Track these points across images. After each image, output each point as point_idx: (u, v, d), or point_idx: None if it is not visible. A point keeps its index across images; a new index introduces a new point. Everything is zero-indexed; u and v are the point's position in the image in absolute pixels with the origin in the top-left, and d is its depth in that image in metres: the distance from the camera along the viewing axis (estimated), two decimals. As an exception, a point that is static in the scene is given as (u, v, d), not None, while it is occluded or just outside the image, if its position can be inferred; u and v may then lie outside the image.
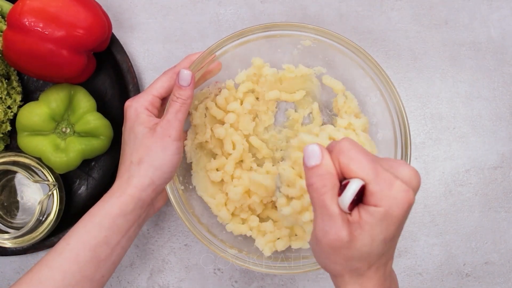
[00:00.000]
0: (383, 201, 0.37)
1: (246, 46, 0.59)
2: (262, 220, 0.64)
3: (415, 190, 0.39)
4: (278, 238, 0.62)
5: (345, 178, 0.40)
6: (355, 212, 0.39)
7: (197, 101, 0.63)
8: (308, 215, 0.52)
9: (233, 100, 0.62)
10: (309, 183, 0.39)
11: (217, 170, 0.63)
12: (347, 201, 0.38)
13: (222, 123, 0.63)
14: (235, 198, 0.60)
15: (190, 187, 0.63)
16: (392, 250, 0.42)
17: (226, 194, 0.62)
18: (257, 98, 0.64)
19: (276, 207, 0.64)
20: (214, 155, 0.64)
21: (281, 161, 0.63)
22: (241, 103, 0.63)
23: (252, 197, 0.61)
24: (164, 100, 0.57)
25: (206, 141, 0.63)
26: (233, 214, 0.63)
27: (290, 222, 0.55)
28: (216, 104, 0.63)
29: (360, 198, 0.39)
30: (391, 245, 0.41)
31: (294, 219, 0.53)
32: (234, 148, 0.62)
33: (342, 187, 0.39)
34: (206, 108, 0.63)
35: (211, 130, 0.62)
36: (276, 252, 0.61)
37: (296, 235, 0.62)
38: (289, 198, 0.53)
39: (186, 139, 0.63)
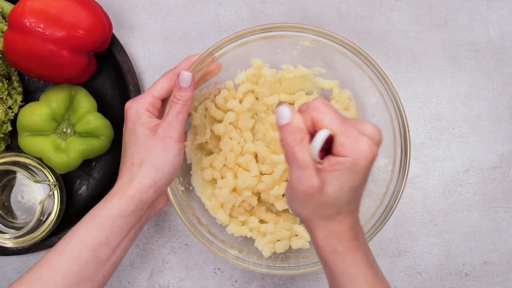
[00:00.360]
0: (351, 152, 0.42)
1: (245, 47, 0.59)
2: (262, 221, 0.64)
3: (378, 144, 0.43)
4: (278, 240, 0.62)
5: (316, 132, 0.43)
6: (325, 161, 0.43)
7: (196, 102, 0.63)
8: (277, 189, 0.60)
9: (232, 99, 0.63)
10: (281, 138, 0.44)
11: (211, 167, 0.63)
12: (317, 147, 0.42)
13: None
14: (223, 199, 0.61)
15: (190, 188, 0.63)
16: (358, 199, 0.46)
17: None
18: (257, 98, 0.64)
19: (271, 210, 0.64)
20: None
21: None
22: (240, 103, 0.63)
23: (242, 193, 0.61)
24: (164, 102, 0.58)
25: (206, 142, 0.63)
26: (231, 216, 0.63)
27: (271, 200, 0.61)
28: (215, 104, 0.63)
29: (329, 149, 0.43)
30: (358, 194, 0.45)
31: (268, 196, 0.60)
32: (231, 150, 0.62)
33: (312, 138, 0.43)
34: (206, 109, 0.63)
35: (211, 130, 0.62)
36: (275, 253, 0.62)
37: (296, 235, 0.63)
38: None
39: (186, 140, 0.63)
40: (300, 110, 0.45)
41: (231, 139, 0.62)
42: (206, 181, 0.63)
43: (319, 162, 0.43)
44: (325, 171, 0.42)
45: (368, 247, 0.48)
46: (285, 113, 0.44)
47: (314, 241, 0.47)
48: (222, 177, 0.62)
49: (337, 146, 0.42)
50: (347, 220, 0.45)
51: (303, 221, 0.47)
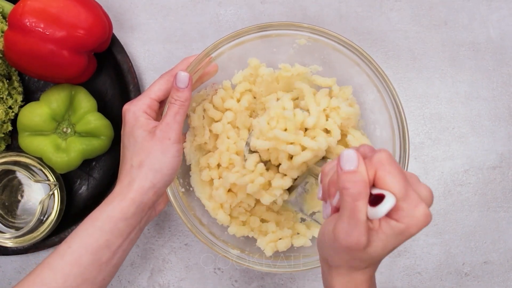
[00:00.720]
0: (406, 219, 0.39)
1: (242, 47, 0.59)
2: (263, 221, 0.64)
3: (429, 206, 0.41)
4: (280, 239, 0.62)
5: (373, 186, 0.41)
6: (375, 220, 0.41)
7: (194, 103, 0.63)
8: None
9: (229, 99, 0.63)
10: (344, 186, 0.40)
11: (208, 168, 0.63)
12: (381, 214, 0.39)
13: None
14: (220, 200, 0.61)
15: (191, 189, 0.63)
16: None
17: None
18: (254, 98, 0.64)
19: (272, 209, 0.64)
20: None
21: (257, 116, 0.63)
22: (238, 102, 0.63)
23: (238, 195, 0.60)
24: (162, 103, 0.58)
25: (205, 143, 0.63)
26: (232, 216, 0.63)
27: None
28: (213, 105, 0.63)
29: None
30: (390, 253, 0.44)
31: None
32: (227, 149, 0.62)
33: (374, 197, 0.40)
34: (204, 110, 0.63)
35: (209, 131, 0.62)
36: (277, 251, 0.62)
37: (298, 233, 0.63)
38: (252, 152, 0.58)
39: (185, 141, 0.63)
40: (362, 155, 0.42)
41: (228, 138, 0.62)
42: (204, 182, 0.63)
43: (370, 220, 0.41)
44: (373, 231, 0.40)
45: None
46: (352, 159, 0.40)
47: (329, 283, 0.45)
48: (219, 177, 0.62)
49: (393, 210, 0.40)
50: (371, 272, 0.44)
51: (326, 263, 0.46)
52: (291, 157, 0.57)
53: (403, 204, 0.39)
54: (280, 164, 0.59)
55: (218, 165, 0.63)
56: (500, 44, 0.71)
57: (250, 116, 0.64)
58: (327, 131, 0.59)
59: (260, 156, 0.60)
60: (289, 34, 0.59)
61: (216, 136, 0.63)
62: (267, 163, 0.61)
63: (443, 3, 0.71)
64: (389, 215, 0.40)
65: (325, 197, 0.45)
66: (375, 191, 0.40)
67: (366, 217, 0.40)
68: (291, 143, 0.56)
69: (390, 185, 0.39)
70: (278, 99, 0.63)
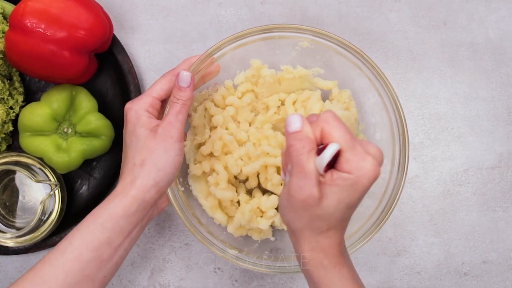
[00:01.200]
0: (356, 169, 0.42)
1: (244, 48, 0.60)
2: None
3: (380, 165, 0.44)
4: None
5: (322, 144, 0.44)
6: (328, 174, 0.43)
7: (196, 103, 0.63)
8: (277, 178, 0.59)
9: (231, 96, 0.63)
10: (289, 144, 0.44)
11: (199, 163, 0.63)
12: (325, 161, 0.42)
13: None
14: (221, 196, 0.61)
15: (190, 188, 0.63)
16: (349, 218, 0.46)
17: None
18: (256, 98, 0.65)
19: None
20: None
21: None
22: (239, 99, 0.63)
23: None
24: (163, 102, 0.58)
25: (205, 142, 0.63)
26: (229, 216, 0.63)
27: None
28: (214, 104, 0.63)
29: (333, 163, 0.43)
30: (351, 212, 0.46)
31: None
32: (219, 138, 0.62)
33: (320, 150, 0.43)
34: (205, 109, 0.63)
35: (210, 129, 0.63)
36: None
37: None
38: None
39: (185, 140, 0.63)
40: (309, 121, 0.45)
41: (227, 129, 0.62)
42: (198, 178, 0.63)
43: (321, 175, 0.43)
44: (326, 184, 0.43)
45: (353, 265, 0.48)
46: (296, 121, 0.44)
47: (299, 253, 0.47)
48: (211, 169, 0.62)
49: (342, 162, 0.43)
50: (336, 236, 0.46)
51: (291, 232, 0.48)
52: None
53: (349, 155, 0.42)
54: (264, 190, 0.62)
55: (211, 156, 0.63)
56: (499, 45, 0.71)
57: (252, 111, 0.64)
58: None
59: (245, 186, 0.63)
60: (292, 36, 0.59)
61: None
62: (251, 192, 0.63)
63: (442, 4, 0.71)
64: (339, 168, 0.43)
65: (284, 170, 0.47)
66: (321, 146, 0.43)
67: (316, 171, 0.43)
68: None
69: (337, 137, 0.43)
70: (279, 100, 0.65)
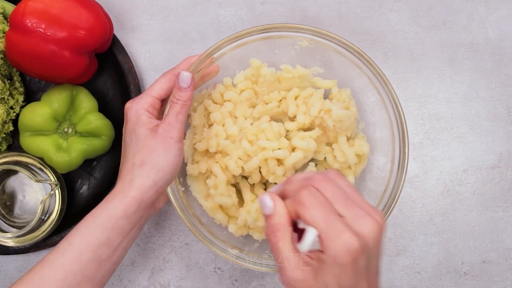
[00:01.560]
0: (328, 250, 0.40)
1: (244, 48, 0.60)
2: None
3: (371, 239, 0.41)
4: None
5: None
6: (313, 254, 0.42)
7: (196, 103, 0.63)
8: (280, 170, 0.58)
9: (229, 91, 0.63)
10: (265, 227, 0.44)
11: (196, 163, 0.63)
12: (305, 249, 0.42)
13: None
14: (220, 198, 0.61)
15: (190, 188, 0.63)
16: None
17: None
18: (255, 95, 0.65)
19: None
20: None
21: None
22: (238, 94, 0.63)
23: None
24: (164, 102, 0.58)
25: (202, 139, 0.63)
26: (230, 216, 0.63)
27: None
28: (212, 101, 0.63)
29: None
30: None
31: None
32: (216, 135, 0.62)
33: (301, 232, 0.43)
34: (205, 109, 0.63)
35: (209, 127, 0.63)
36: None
37: None
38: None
39: (185, 139, 0.63)
40: (287, 194, 0.44)
41: (223, 125, 0.62)
42: (196, 178, 0.63)
43: (308, 256, 0.42)
44: (312, 264, 0.42)
45: None
46: (267, 202, 0.43)
47: None
48: (208, 170, 0.62)
49: (321, 242, 0.41)
50: None
51: None
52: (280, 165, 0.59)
53: (325, 235, 0.40)
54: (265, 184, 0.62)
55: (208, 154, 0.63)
56: (499, 45, 0.71)
57: (251, 107, 0.64)
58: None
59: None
60: (291, 36, 0.59)
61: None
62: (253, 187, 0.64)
63: (442, 4, 0.71)
64: (321, 248, 0.41)
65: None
66: (301, 226, 0.43)
67: (294, 252, 0.42)
68: (279, 149, 0.59)
69: (310, 220, 0.41)
70: (270, 118, 0.64)
